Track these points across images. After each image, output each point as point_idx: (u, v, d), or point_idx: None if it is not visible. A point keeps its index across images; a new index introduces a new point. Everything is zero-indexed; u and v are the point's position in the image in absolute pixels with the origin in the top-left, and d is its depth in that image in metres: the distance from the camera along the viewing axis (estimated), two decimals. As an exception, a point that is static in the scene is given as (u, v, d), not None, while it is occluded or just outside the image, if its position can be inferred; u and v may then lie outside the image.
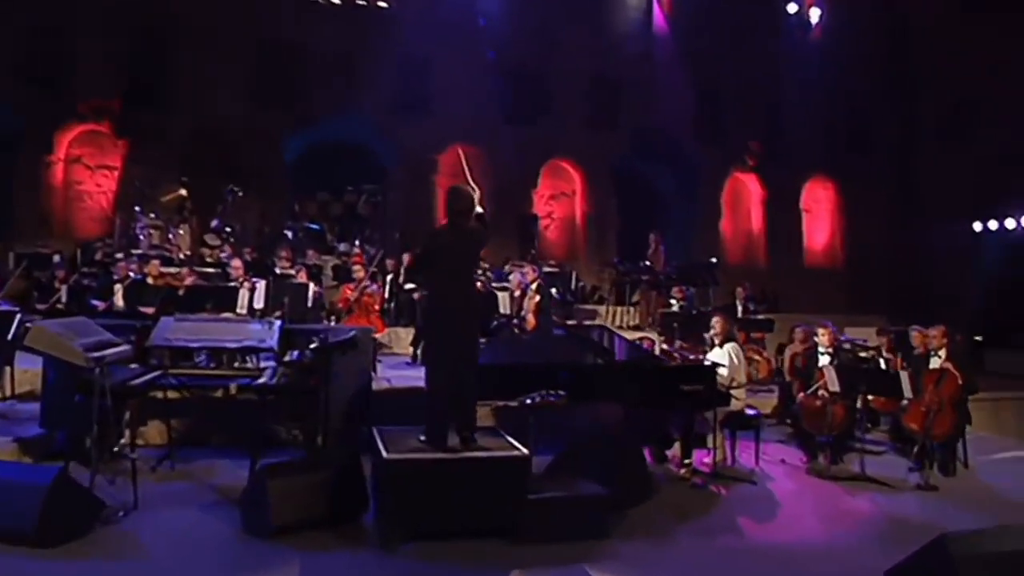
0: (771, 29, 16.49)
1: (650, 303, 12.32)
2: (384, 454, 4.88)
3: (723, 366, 6.94)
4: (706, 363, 6.97)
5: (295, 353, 6.44)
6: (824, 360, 7.72)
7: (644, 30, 16.12)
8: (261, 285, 8.95)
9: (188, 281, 9.45)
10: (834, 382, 7.06)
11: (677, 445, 7.38)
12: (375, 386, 7.43)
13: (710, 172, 16.78)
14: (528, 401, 5.77)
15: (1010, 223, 14.77)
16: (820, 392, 7.39)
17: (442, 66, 15.06)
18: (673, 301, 11.10)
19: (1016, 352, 13.06)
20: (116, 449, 5.56)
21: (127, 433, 5.66)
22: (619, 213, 16.32)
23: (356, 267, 9.81)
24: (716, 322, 7.54)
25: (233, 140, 14.10)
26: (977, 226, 15.32)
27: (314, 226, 13.33)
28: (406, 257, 12.02)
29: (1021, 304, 14.60)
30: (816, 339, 7.86)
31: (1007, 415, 10.25)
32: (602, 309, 13.46)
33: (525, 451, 5.12)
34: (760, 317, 11.00)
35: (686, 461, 6.72)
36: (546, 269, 11.51)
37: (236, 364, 7.24)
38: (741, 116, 16.63)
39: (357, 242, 12.96)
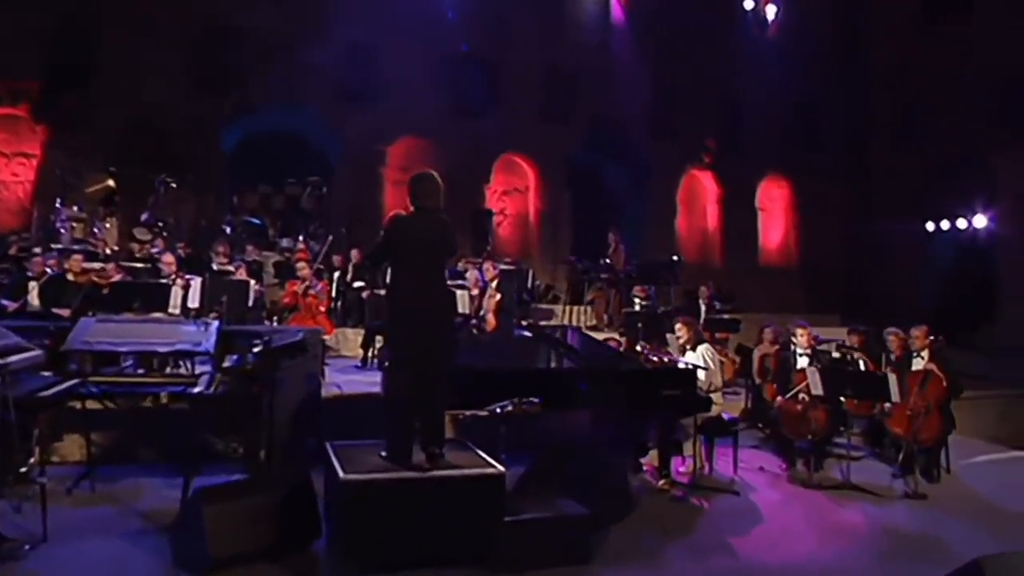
0: (727, 25, 16.24)
1: (608, 302, 11.87)
2: (341, 474, 4.26)
3: (703, 368, 6.49)
4: (686, 366, 6.51)
5: (235, 357, 5.76)
6: (803, 362, 7.35)
7: (601, 21, 15.68)
8: (196, 282, 8.18)
9: (115, 278, 8.60)
10: (817, 385, 6.69)
11: (652, 453, 7.00)
12: (324, 393, 6.77)
13: (665, 169, 16.41)
14: (499, 410, 5.19)
15: (961, 223, 14.75)
16: (801, 396, 7.01)
17: (390, 55, 14.33)
18: (637, 300, 10.65)
19: (967, 352, 13.03)
20: (23, 470, 4.78)
21: (36, 452, 4.89)
22: (573, 210, 15.86)
23: (300, 264, 9.09)
24: (680, 328, 7.12)
25: (166, 128, 13.15)
26: (929, 226, 15.28)
27: (254, 220, 12.50)
28: (354, 253, 11.37)
29: (971, 303, 14.71)
30: (793, 340, 7.47)
31: (963, 415, 10.10)
32: (558, 309, 13.00)
33: (500, 468, 4.56)
34: (726, 317, 10.64)
35: (665, 472, 6.26)
36: (502, 267, 10.95)
37: (168, 370, 6.48)
38: (697, 112, 16.29)
39: (301, 238, 12.18)
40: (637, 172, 16.33)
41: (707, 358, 6.83)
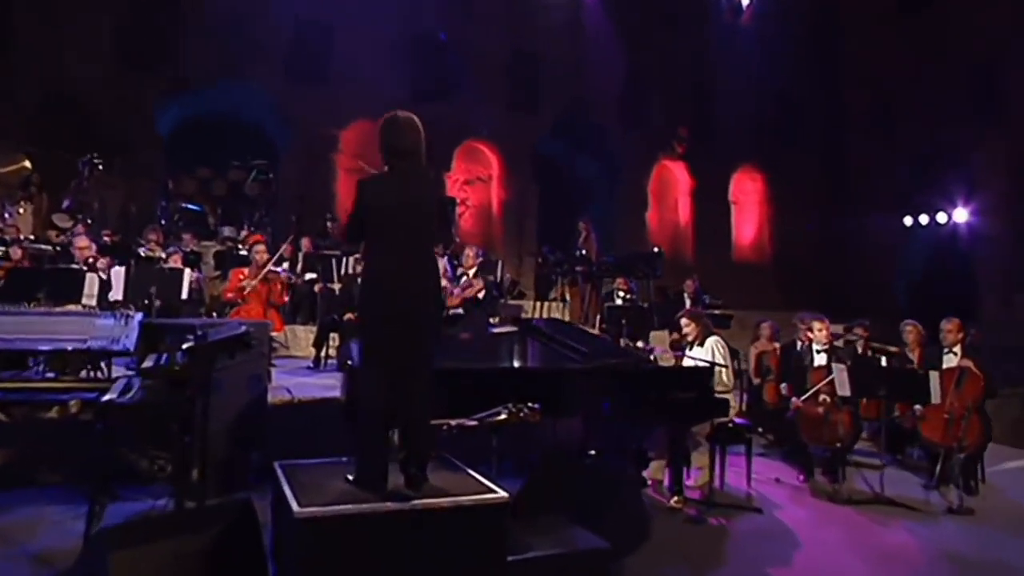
0: (701, 11, 15.58)
1: (584, 298, 10.94)
2: (295, 507, 3.24)
3: (722, 365, 5.63)
4: (699, 364, 5.63)
5: (162, 356, 4.67)
6: (820, 359, 6.53)
7: (570, 2, 14.81)
8: (119, 271, 6.99)
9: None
10: (844, 385, 5.87)
11: (654, 464, 6.12)
12: (272, 398, 5.70)
13: (636, 159, 15.68)
14: (491, 418, 4.21)
15: (940, 217, 14.31)
16: (822, 397, 6.19)
17: (345, 33, 13.30)
18: (621, 293, 9.76)
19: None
20: None
21: None
22: (539, 200, 14.99)
23: (258, 247, 7.92)
24: (686, 323, 6.24)
25: (91, 106, 11.86)
26: (907, 220, 14.83)
27: (193, 207, 11.27)
28: (304, 243, 10.31)
29: (950, 301, 14.21)
30: (809, 334, 6.64)
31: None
32: (528, 304, 12.05)
33: (502, 493, 3.58)
34: (716, 312, 9.82)
35: (677, 487, 5.37)
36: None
37: (86, 373, 5.34)
38: (669, 101, 15.60)
39: (246, 227, 11.02)
40: (607, 162, 15.58)
41: (718, 353, 5.96)
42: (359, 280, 4.05)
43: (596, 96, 15.03)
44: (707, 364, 5.60)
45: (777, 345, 8.26)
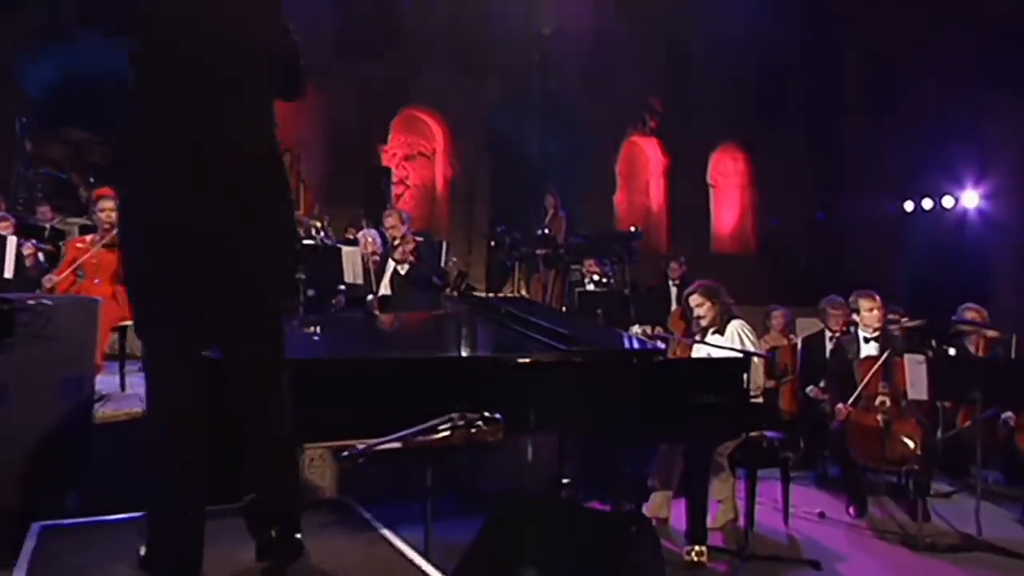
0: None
1: (548, 286, 9.52)
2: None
3: (760, 357, 4.23)
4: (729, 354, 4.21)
5: None
6: (869, 348, 5.18)
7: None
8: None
9: None
10: (920, 383, 4.50)
11: (655, 497, 4.77)
12: (102, 412, 4.11)
13: (601, 133, 14.36)
14: (426, 437, 2.72)
15: (947, 201, 13.29)
16: (880, 401, 4.83)
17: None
18: (595, 276, 8.34)
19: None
20: None
21: None
22: (492, 180, 13.62)
23: (104, 203, 6.20)
24: (699, 302, 4.86)
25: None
26: (908, 205, 13.77)
27: (55, 174, 9.56)
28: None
29: (958, 294, 13.26)
30: (857, 317, 5.30)
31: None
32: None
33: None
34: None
35: (699, 533, 3.92)
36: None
37: None
38: (639, 67, 14.31)
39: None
40: (568, 136, 14.14)
41: (747, 340, 4.57)
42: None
43: (557, 60, 13.62)
44: (740, 353, 4.18)
45: (793, 338, 7.05)
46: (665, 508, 4.63)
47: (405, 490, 3.45)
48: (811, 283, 13.93)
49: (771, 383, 6.70)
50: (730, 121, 14.97)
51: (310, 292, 6.69)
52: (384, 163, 12.63)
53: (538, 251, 9.49)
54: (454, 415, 2.91)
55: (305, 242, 6.60)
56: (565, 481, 5.14)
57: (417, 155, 13.49)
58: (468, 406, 2.91)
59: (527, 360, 3.35)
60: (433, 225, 12.99)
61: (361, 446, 2.91)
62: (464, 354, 3.71)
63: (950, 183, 13.24)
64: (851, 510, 4.91)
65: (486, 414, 2.93)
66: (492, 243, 10.51)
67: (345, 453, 2.90)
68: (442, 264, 9.66)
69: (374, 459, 2.97)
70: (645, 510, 4.58)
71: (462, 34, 13.18)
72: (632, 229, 9.65)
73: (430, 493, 3.12)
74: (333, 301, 6.07)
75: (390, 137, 13.03)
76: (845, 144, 15.04)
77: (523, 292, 10.06)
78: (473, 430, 2.90)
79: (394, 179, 12.29)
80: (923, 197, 13.59)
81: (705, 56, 14.76)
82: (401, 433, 2.85)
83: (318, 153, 11.95)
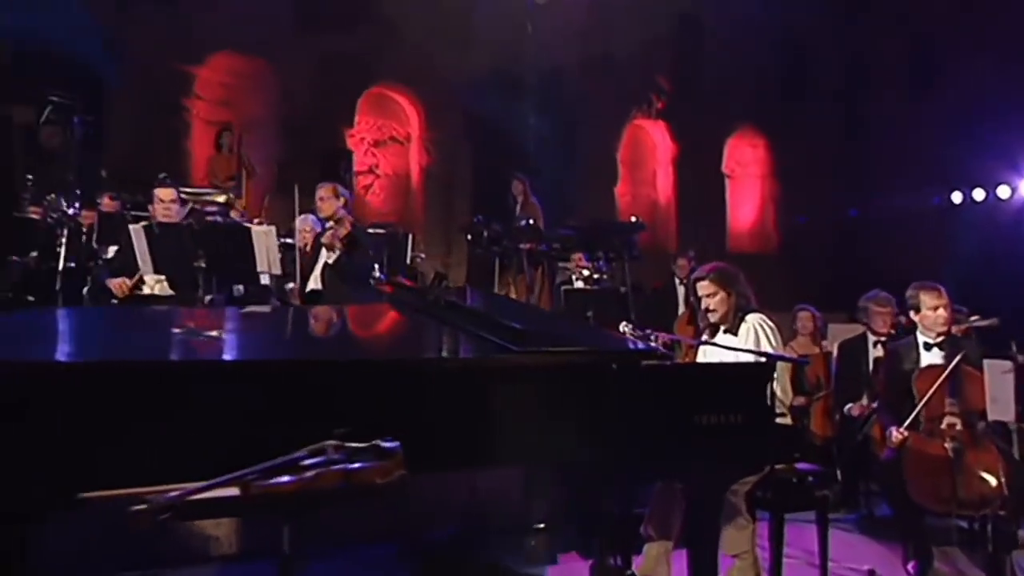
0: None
1: (532, 285, 8.83)
2: None
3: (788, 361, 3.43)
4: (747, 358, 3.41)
5: None
6: (932, 356, 4.38)
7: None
8: None
9: None
10: (1006, 400, 3.71)
11: (648, 548, 4.04)
12: None
13: (602, 117, 14.12)
14: (268, 481, 1.91)
15: (1003, 191, 12.93)
16: (946, 423, 4.01)
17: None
18: (584, 272, 7.65)
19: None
20: None
21: None
22: (474, 169, 13.38)
23: None
24: (709, 290, 4.09)
25: None
26: (956, 197, 13.43)
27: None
28: (106, 200, 8.14)
29: (1014, 298, 12.74)
30: (916, 317, 4.53)
31: None
32: (455, 301, 9.92)
33: None
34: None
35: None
36: (370, 230, 7.98)
37: None
38: (645, 42, 13.84)
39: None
40: (563, 120, 13.73)
41: (769, 340, 3.79)
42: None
43: (550, 33, 13.09)
44: (763, 357, 3.37)
45: (826, 345, 6.33)
46: (663, 565, 3.88)
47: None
48: (841, 288, 13.45)
49: (800, 400, 5.97)
50: (748, 102, 14.79)
51: (238, 289, 5.97)
52: (349, 148, 12.16)
53: (521, 245, 8.80)
54: (328, 443, 2.15)
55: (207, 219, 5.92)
56: (539, 526, 4.51)
57: (388, 140, 13.20)
58: (351, 431, 2.17)
59: (448, 363, 2.51)
60: (407, 220, 12.67)
61: (174, 493, 2.10)
62: (356, 357, 2.87)
63: (1006, 170, 13.00)
64: (910, 567, 4.20)
65: (377, 442, 2.17)
66: (468, 236, 9.88)
67: (138, 507, 2.08)
68: (407, 261, 9.03)
69: (190, 513, 2.14)
70: (635, 568, 3.78)
71: (441, 1, 12.67)
72: (633, 219, 9.03)
73: (290, 562, 2.30)
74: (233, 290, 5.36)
75: (357, 119, 12.72)
76: (881, 128, 14.75)
77: (511, 294, 9.42)
78: (354, 466, 2.10)
79: (359, 167, 11.91)
80: (974, 187, 13.36)
81: (720, 29, 14.51)
82: (236, 474, 2.05)
83: (270, 135, 11.79)
